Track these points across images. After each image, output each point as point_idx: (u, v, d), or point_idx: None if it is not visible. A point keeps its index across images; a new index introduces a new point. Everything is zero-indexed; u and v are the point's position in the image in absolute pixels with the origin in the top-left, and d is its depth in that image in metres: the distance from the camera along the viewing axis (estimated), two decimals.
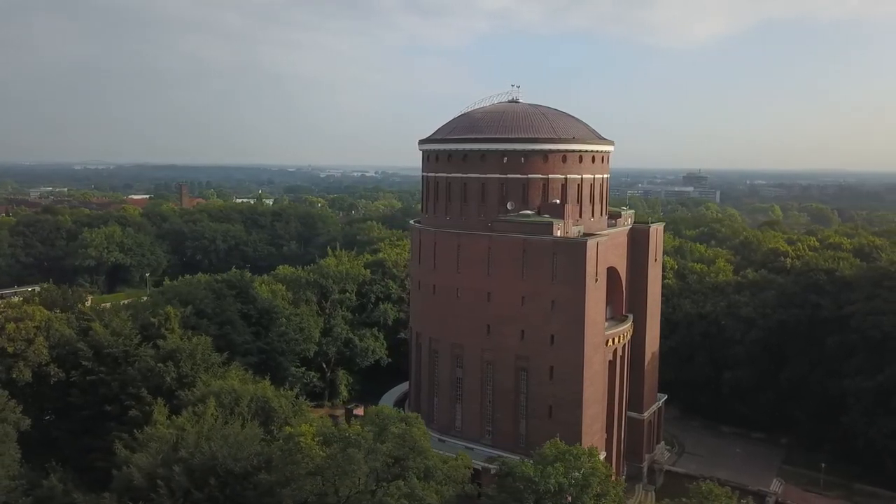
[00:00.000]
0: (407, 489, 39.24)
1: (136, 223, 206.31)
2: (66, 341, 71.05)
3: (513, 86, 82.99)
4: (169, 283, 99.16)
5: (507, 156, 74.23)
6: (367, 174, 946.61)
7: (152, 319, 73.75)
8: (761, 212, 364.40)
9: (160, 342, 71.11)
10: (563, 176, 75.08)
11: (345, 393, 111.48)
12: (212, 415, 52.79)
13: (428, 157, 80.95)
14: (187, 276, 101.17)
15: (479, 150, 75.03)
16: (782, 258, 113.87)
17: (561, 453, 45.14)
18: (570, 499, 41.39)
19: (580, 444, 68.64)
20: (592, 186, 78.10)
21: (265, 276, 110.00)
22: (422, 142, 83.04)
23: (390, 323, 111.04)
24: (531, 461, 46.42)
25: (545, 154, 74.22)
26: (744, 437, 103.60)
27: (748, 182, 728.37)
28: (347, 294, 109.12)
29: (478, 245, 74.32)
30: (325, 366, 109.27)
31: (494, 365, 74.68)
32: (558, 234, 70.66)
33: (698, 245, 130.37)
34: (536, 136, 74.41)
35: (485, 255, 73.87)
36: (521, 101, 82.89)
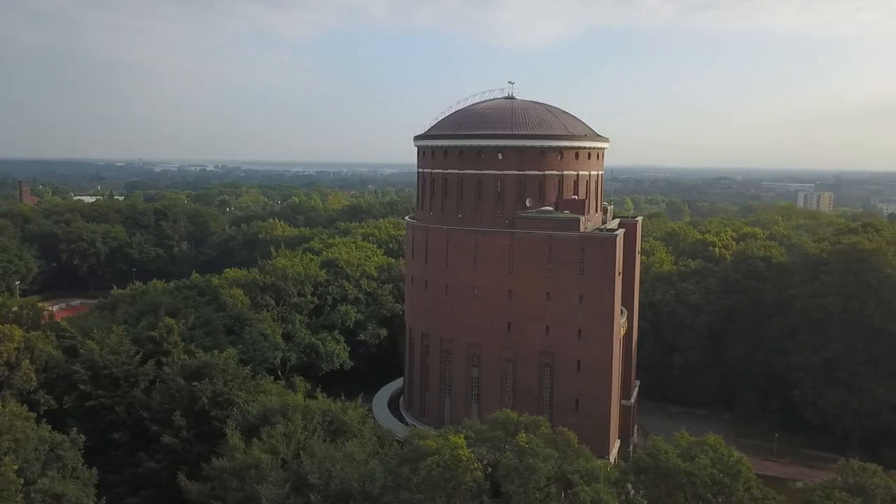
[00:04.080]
0: (593, 493, 38.22)
1: None
2: (54, 363, 61.61)
3: (509, 82, 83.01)
4: (119, 292, 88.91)
5: (525, 152, 74.03)
6: (207, 169, 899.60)
7: (152, 333, 65.68)
8: (616, 204, 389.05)
9: (165, 358, 63.82)
10: (576, 172, 76.21)
11: (302, 401, 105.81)
12: (300, 434, 48.25)
13: (433, 153, 78.76)
14: (139, 283, 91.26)
15: (496, 147, 74.24)
16: (710, 248, 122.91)
17: (695, 443, 45.90)
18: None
19: (608, 436, 70.80)
20: (597, 182, 79.92)
21: (216, 280, 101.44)
22: (420, 137, 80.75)
23: (351, 325, 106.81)
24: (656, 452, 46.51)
25: (560, 151, 74.91)
26: (691, 415, 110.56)
27: None
28: (305, 297, 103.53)
29: (498, 242, 73.56)
30: (280, 373, 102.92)
31: (515, 362, 74.40)
32: (582, 230, 71.67)
33: None
34: (554, 133, 74.86)
35: (506, 252, 73.28)
36: (516, 97, 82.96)
